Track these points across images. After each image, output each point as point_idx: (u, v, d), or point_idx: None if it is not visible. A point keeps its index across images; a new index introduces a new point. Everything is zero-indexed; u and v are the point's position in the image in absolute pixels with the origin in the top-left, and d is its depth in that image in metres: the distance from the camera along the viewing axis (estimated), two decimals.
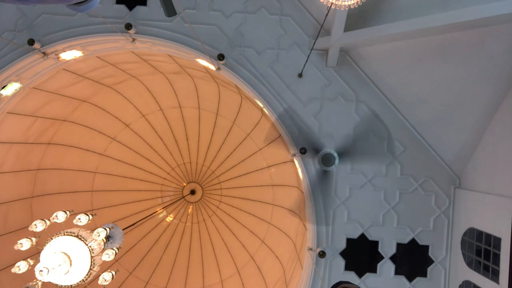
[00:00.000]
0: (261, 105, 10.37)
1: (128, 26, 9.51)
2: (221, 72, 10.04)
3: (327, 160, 8.76)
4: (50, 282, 5.41)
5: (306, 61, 9.27)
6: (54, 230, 5.79)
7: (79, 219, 6.03)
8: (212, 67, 10.23)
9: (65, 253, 5.51)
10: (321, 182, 9.39)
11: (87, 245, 5.68)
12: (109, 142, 14.87)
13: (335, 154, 8.65)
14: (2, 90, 10.25)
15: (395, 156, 9.60)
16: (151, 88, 14.13)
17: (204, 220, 16.24)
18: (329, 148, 9.19)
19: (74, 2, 2.42)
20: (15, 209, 12.76)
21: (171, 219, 16.38)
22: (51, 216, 5.91)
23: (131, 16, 9.78)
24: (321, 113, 9.65)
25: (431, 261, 9.52)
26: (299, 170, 10.24)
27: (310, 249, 9.88)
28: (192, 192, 16.46)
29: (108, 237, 6.46)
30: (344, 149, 9.02)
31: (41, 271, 5.01)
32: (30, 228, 5.74)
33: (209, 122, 15.30)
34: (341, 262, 9.58)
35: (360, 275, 9.57)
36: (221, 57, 9.52)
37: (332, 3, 6.12)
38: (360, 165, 9.50)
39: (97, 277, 5.99)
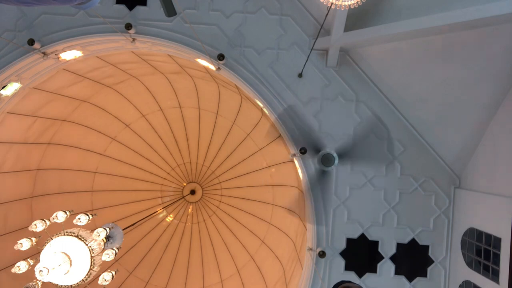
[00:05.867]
0: (261, 105, 10.37)
1: (128, 26, 9.50)
2: (221, 72, 10.04)
3: (326, 160, 8.75)
4: (50, 282, 5.41)
5: (306, 61, 9.27)
6: (54, 230, 5.78)
7: (79, 219, 6.02)
8: (212, 67, 10.23)
9: (65, 253, 5.51)
10: (320, 182, 9.38)
11: (87, 245, 5.67)
12: (109, 142, 14.87)
13: (335, 155, 8.64)
14: (2, 90, 10.24)
15: (395, 156, 9.60)
16: (151, 88, 14.13)
17: (204, 220, 16.24)
18: (329, 148, 9.18)
19: (73, 4, 2.41)
20: (15, 209, 12.75)
21: (171, 219, 16.38)
22: (51, 216, 5.90)
23: (131, 16, 9.78)
24: (321, 113, 9.65)
25: (431, 261, 9.52)
26: (299, 170, 10.24)
27: (310, 249, 9.88)
28: (192, 192, 16.45)
29: (108, 237, 6.46)
30: (344, 151, 9.01)
31: (41, 271, 5.00)
32: (30, 228, 5.73)
33: (209, 122, 15.29)
34: (341, 262, 9.58)
35: (360, 275, 9.56)
36: (221, 57, 9.52)
37: (332, 3, 6.11)
38: (359, 167, 9.51)
39: (97, 277, 5.99)
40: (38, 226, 5.75)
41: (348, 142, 9.29)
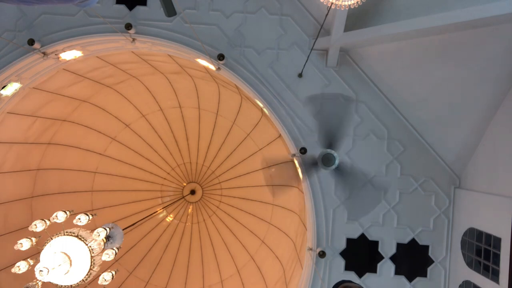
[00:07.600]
0: (261, 105, 10.37)
1: (128, 26, 9.50)
2: (221, 72, 10.04)
3: (327, 159, 8.71)
4: (50, 282, 5.40)
5: (306, 61, 9.26)
6: (54, 230, 5.78)
7: (79, 219, 6.02)
8: (212, 67, 10.23)
9: (65, 253, 5.51)
10: (312, 169, 9.25)
11: (87, 245, 5.67)
12: (109, 142, 14.87)
13: (336, 155, 8.60)
14: (2, 90, 10.24)
15: (395, 156, 9.60)
16: (151, 88, 14.13)
17: (204, 220, 16.24)
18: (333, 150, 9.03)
19: (74, 3, 2.42)
20: (15, 209, 12.75)
21: (171, 219, 16.38)
22: (51, 216, 5.90)
23: (131, 16, 9.78)
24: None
25: (431, 261, 9.51)
26: (299, 170, 10.23)
27: (310, 249, 9.87)
28: (192, 192, 16.45)
29: (108, 237, 6.46)
30: (344, 168, 8.91)
31: (41, 271, 5.00)
32: (30, 228, 5.73)
33: (209, 122, 15.30)
34: (341, 262, 9.57)
35: (360, 275, 9.56)
36: (221, 57, 9.52)
37: (332, 3, 6.11)
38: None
39: (97, 277, 5.99)
40: (38, 226, 5.75)
41: (349, 168, 9.22)
